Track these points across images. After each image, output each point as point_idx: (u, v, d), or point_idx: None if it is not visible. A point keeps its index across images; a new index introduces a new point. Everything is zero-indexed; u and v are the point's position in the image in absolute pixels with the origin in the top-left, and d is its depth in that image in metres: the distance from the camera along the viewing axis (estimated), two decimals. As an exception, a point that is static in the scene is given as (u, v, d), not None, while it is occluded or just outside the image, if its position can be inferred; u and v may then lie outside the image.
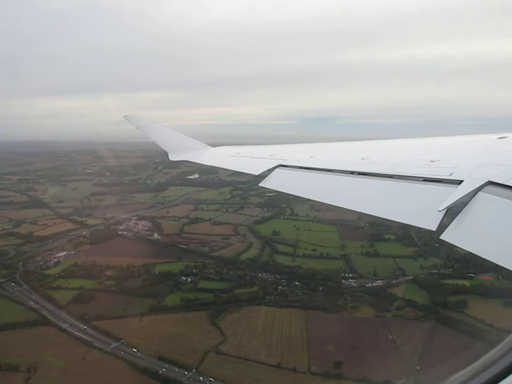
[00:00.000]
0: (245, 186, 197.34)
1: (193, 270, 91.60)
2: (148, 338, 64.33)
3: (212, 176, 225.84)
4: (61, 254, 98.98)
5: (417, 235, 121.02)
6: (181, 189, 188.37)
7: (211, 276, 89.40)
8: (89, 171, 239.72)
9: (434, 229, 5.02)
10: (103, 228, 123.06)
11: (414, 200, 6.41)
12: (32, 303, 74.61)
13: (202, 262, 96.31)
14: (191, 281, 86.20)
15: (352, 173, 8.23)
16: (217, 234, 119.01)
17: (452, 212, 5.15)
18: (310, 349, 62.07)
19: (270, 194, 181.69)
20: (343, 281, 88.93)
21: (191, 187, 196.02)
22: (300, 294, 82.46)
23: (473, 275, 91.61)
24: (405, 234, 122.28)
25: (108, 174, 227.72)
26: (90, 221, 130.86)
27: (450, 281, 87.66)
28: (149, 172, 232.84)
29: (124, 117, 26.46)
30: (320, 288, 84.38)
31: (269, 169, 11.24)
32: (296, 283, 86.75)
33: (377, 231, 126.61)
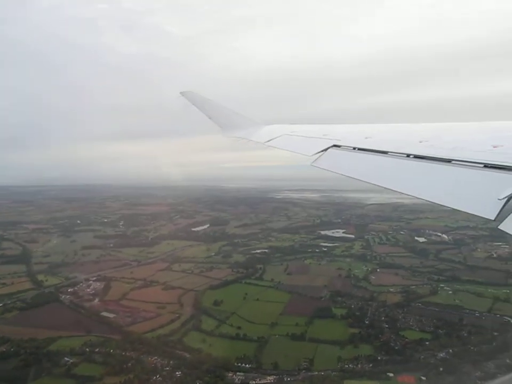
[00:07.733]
0: (241, 242, 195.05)
1: (86, 349, 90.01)
2: None
3: (219, 227, 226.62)
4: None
5: (376, 311, 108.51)
6: (173, 243, 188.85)
7: (97, 357, 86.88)
8: (105, 220, 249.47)
9: (493, 218, 5.00)
10: (51, 291, 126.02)
11: (473, 187, 6.33)
12: None
13: (105, 338, 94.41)
14: (72, 363, 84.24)
15: (408, 155, 8.21)
16: (156, 302, 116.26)
17: None
18: None
19: (258, 251, 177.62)
20: (229, 374, 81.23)
21: (186, 241, 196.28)
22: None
23: (391, 374, 79.64)
24: (360, 308, 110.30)
25: (122, 223, 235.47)
26: (50, 281, 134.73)
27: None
28: (161, 222, 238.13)
29: (180, 93, 26.84)
30: None
31: (322, 150, 11.34)
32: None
33: (332, 303, 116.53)
